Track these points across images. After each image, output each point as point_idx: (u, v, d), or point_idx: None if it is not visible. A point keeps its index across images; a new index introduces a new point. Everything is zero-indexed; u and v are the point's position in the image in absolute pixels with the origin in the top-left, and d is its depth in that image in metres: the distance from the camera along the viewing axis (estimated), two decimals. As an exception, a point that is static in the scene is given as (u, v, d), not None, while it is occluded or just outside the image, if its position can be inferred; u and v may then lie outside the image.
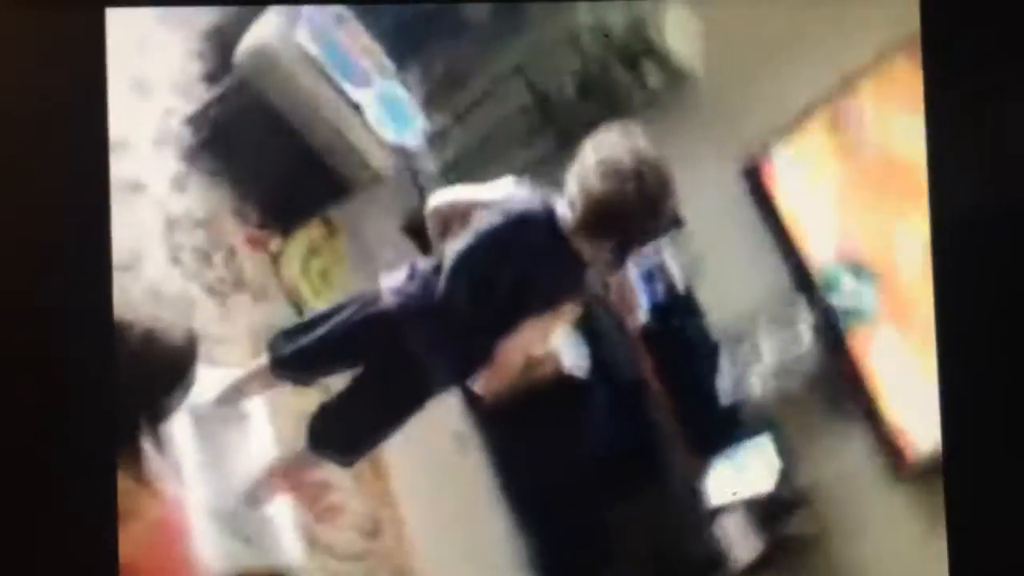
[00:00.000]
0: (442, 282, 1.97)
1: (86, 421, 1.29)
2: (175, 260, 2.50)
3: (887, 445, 3.07)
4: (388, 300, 2.01)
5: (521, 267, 1.92)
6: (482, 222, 1.97)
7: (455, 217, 2.03)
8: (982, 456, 1.12)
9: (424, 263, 2.06)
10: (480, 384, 2.06)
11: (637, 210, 1.81)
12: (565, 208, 1.89)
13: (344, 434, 2.10)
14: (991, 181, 1.09)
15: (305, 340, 2.11)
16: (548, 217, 1.91)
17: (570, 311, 2.09)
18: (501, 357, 1.96)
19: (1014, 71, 1.06)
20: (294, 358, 2.10)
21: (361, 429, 2.10)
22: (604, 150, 1.84)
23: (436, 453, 3.10)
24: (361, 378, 2.07)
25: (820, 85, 3.28)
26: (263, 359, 2.16)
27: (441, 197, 2.15)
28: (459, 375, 2.08)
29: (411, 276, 2.03)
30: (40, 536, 1.23)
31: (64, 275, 1.28)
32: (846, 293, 3.20)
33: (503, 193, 2.02)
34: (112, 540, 1.29)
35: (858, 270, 3.20)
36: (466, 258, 1.95)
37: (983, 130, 1.10)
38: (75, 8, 1.26)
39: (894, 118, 3.17)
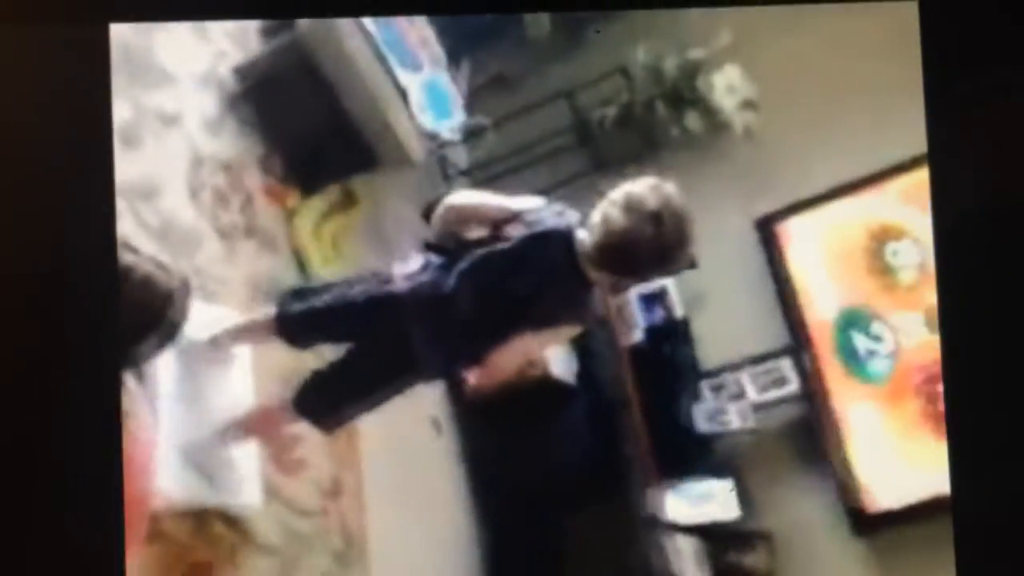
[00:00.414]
0: (453, 279, 2.00)
1: (89, 350, 1.32)
2: (194, 197, 2.55)
3: (849, 498, 3.10)
4: (399, 285, 2.03)
5: (532, 282, 1.95)
6: (506, 232, 2.01)
7: (475, 218, 2.08)
8: (987, 461, 1.12)
9: (438, 259, 2.09)
10: (468, 380, 2.10)
11: (649, 250, 1.85)
12: (584, 234, 1.94)
13: (329, 402, 2.13)
14: (993, 180, 1.10)
15: (315, 303, 2.15)
16: (568, 240, 1.95)
17: (568, 332, 2.13)
18: (492, 362, 1.99)
19: (1015, 70, 1.08)
20: (300, 318, 2.14)
21: (346, 400, 2.13)
22: (633, 189, 1.88)
23: (410, 431, 3.13)
24: (356, 352, 2.09)
25: (850, 172, 3.36)
26: (270, 312, 2.19)
27: (467, 196, 2.24)
28: (450, 370, 2.12)
29: (424, 267, 2.06)
30: (40, 467, 1.26)
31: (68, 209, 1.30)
32: (860, 351, 3.22)
33: (529, 207, 2.06)
34: (117, 466, 1.32)
35: (876, 336, 3.22)
36: (482, 263, 1.99)
37: (984, 129, 1.11)
38: (79, 23, 1.29)
39: (913, 219, 3.25)
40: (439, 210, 2.13)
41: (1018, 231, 1.09)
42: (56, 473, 1.26)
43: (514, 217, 2.03)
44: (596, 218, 1.90)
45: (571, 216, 2.01)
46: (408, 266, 2.09)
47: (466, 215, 2.09)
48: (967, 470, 1.12)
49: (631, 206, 1.85)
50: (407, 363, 2.03)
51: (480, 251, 2.01)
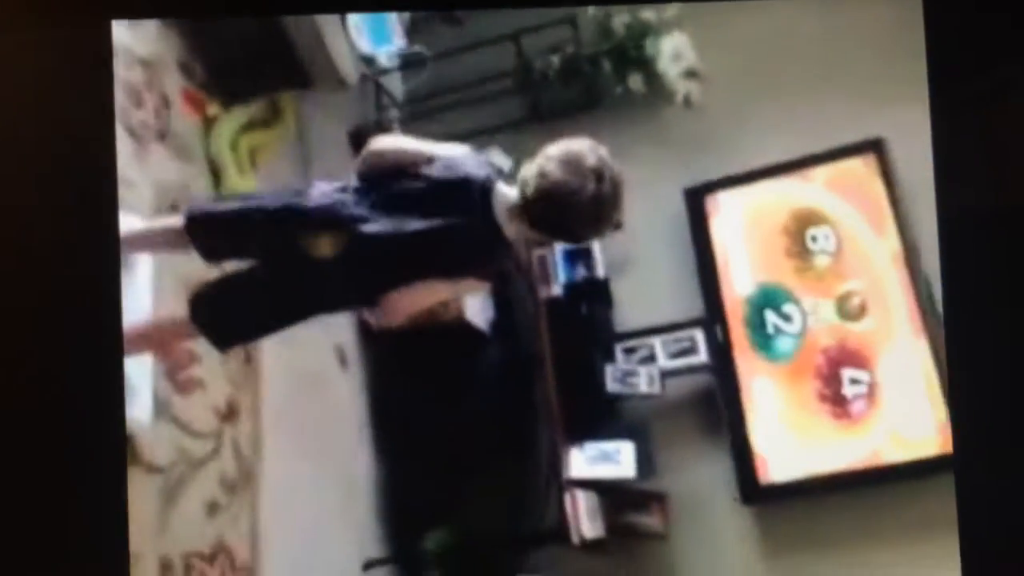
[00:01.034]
0: (364, 209, 1.91)
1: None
2: (103, 89, 2.38)
3: (743, 468, 3.15)
4: (313, 200, 1.94)
5: (443, 227, 1.88)
6: (426, 169, 1.94)
7: (397, 162, 1.98)
8: (990, 452, 1.11)
9: (357, 185, 1.99)
10: (370, 317, 2.02)
11: (584, 208, 1.81)
12: (511, 189, 1.89)
13: (228, 316, 2.02)
14: (997, 180, 1.08)
15: (225, 207, 2.07)
16: (485, 190, 1.90)
17: (473, 285, 2.07)
18: (393, 303, 1.91)
19: (1019, 70, 1.06)
20: (208, 220, 2.03)
21: (245, 317, 2.02)
22: (572, 146, 1.84)
23: (313, 358, 3.04)
24: (261, 267, 1.99)
25: (784, 153, 3.39)
26: (179, 219, 2.06)
27: (391, 141, 2.12)
28: (354, 301, 2.03)
29: (343, 189, 1.98)
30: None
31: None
32: (769, 328, 3.27)
33: (453, 153, 2.00)
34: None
35: (787, 316, 3.27)
36: (395, 198, 1.91)
37: (989, 129, 1.09)
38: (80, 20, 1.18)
39: (835, 208, 3.30)
40: (363, 152, 2.04)
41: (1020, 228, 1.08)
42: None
43: (435, 161, 1.97)
44: (531, 171, 1.85)
45: (496, 165, 1.96)
46: (326, 185, 1.99)
47: (388, 159, 2.00)
48: (968, 459, 1.11)
49: (570, 162, 1.81)
50: (311, 286, 1.94)
51: (396, 186, 1.93)
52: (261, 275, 1.98)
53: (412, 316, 1.96)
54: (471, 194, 1.89)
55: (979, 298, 1.08)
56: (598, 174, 1.79)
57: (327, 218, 1.91)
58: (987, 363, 1.09)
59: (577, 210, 1.81)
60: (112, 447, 1.22)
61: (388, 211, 1.91)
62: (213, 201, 2.15)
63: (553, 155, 1.83)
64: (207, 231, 2.01)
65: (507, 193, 1.89)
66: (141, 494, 2.15)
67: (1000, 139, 1.09)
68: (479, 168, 1.94)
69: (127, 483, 1.22)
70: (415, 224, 1.88)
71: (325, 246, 1.91)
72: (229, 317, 2.01)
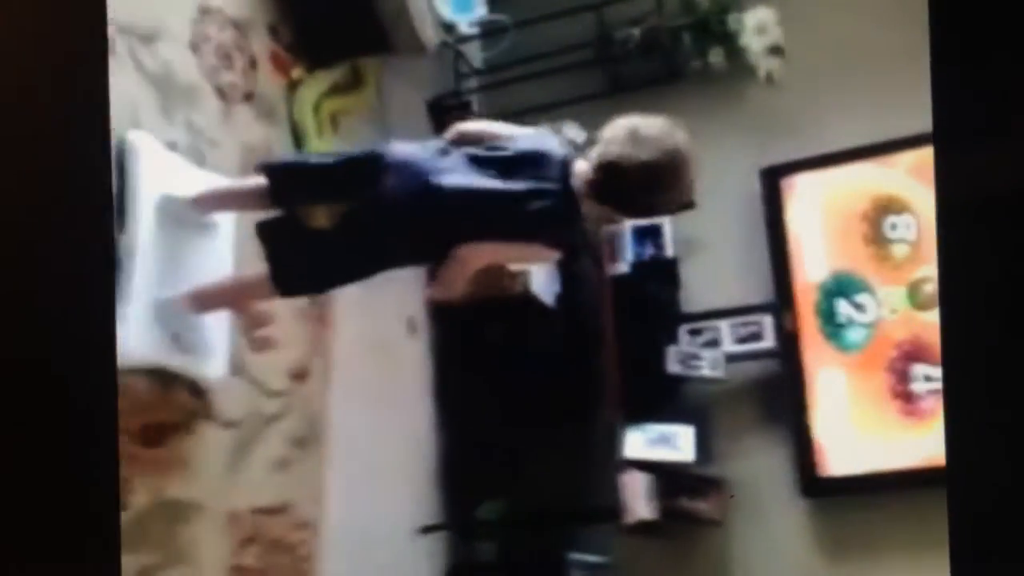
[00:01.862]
0: (446, 163, 1.93)
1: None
2: (195, 49, 2.42)
3: (804, 459, 3.11)
4: (395, 153, 1.96)
5: (523, 189, 1.88)
6: (506, 141, 1.98)
7: (479, 139, 2.02)
8: (986, 449, 1.09)
9: (441, 143, 2.03)
10: (430, 289, 2.04)
11: (644, 181, 1.82)
12: (584, 163, 1.90)
13: (303, 265, 2.06)
14: (1000, 164, 1.04)
15: (306, 159, 2.13)
16: (564, 164, 1.92)
17: (542, 254, 2.08)
18: (458, 261, 1.91)
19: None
20: (288, 170, 2.09)
21: (319, 264, 2.05)
22: (641, 120, 1.85)
23: (384, 326, 3.09)
24: (335, 215, 2.02)
25: (866, 137, 3.29)
26: (262, 179, 2.09)
27: (477, 124, 2.15)
28: (427, 254, 2.04)
29: (424, 146, 2.00)
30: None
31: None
32: (841, 317, 3.20)
33: (533, 134, 2.04)
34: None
35: (860, 305, 3.20)
36: (477, 161, 1.93)
37: (992, 112, 1.05)
38: None
39: (917, 195, 3.20)
40: (447, 132, 2.08)
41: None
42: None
43: (516, 139, 2.01)
44: (600, 147, 1.87)
45: (571, 138, 1.96)
46: (408, 143, 2.02)
47: (471, 136, 2.04)
48: (963, 454, 1.08)
49: (636, 134, 1.82)
50: (388, 234, 1.94)
51: (477, 152, 1.96)
52: (342, 222, 1.99)
53: (471, 280, 1.95)
54: (551, 165, 1.91)
55: (980, 288, 1.05)
56: (662, 149, 1.80)
57: (403, 166, 1.92)
58: (986, 360, 1.06)
59: (637, 182, 1.82)
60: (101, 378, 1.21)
61: (467, 170, 1.92)
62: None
63: (621, 126, 1.85)
64: (283, 184, 2.04)
65: (582, 166, 1.91)
66: (214, 448, 2.23)
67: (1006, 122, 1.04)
68: (559, 145, 1.97)
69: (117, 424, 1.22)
70: (492, 183, 1.90)
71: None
72: (305, 264, 2.02)
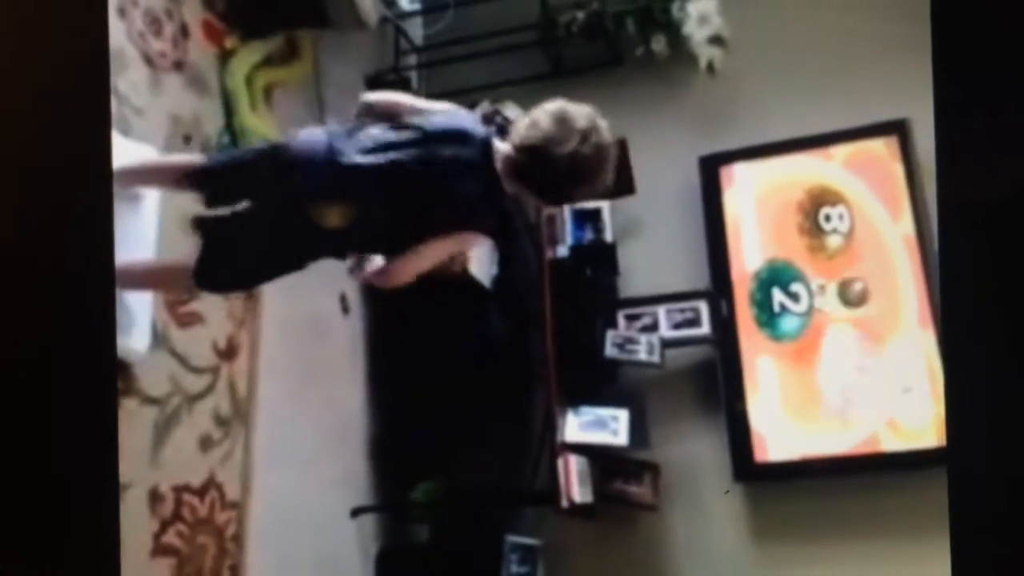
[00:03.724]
0: (354, 144, 1.88)
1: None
2: (122, 13, 2.36)
3: (739, 444, 3.16)
4: (298, 142, 1.90)
5: (442, 175, 1.87)
6: (419, 120, 1.93)
7: (387, 113, 1.98)
8: (985, 448, 1.12)
9: (348, 125, 1.97)
10: (373, 278, 2.02)
11: (563, 166, 1.81)
12: (505, 144, 1.89)
13: (226, 276, 2.00)
14: (1001, 171, 1.07)
15: (235, 153, 2.09)
16: (485, 146, 1.90)
17: (472, 240, 2.09)
18: (396, 268, 1.90)
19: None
20: (217, 166, 2.02)
21: (243, 265, 2.00)
22: (568, 105, 1.85)
23: (316, 304, 3.06)
24: (258, 212, 1.93)
25: (804, 128, 3.37)
26: (196, 158, 2.06)
27: (385, 95, 2.10)
28: (350, 252, 2.01)
29: (329, 130, 1.94)
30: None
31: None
32: (775, 306, 3.26)
33: (447, 108, 2.02)
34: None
35: (794, 295, 3.27)
36: (387, 142, 1.89)
37: (993, 119, 1.08)
38: None
39: (852, 187, 3.28)
40: (357, 106, 2.04)
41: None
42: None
43: (428, 115, 1.97)
44: (523, 122, 1.86)
45: (485, 127, 1.96)
46: (312, 131, 1.96)
47: (379, 110, 2.01)
48: (962, 455, 1.12)
49: (561, 118, 1.82)
50: (307, 233, 1.89)
51: (392, 136, 1.91)
52: (259, 221, 1.94)
53: (410, 277, 1.94)
54: (471, 143, 1.89)
55: (980, 294, 1.08)
56: (584, 135, 1.80)
57: (310, 158, 1.87)
58: (985, 358, 1.09)
59: (555, 166, 1.81)
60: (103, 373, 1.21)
61: (376, 152, 1.88)
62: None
63: (547, 109, 1.84)
64: (209, 180, 1.98)
65: (503, 146, 1.90)
66: (135, 425, 2.18)
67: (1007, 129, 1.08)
68: (475, 124, 1.95)
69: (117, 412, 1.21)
70: (417, 173, 1.86)
71: (334, 217, 1.88)
72: (229, 275, 2.00)
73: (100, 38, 1.21)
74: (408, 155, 1.87)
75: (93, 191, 1.19)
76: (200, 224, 1.96)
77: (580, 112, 1.83)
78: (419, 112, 1.98)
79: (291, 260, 1.96)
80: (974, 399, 1.06)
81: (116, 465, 1.18)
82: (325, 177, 1.85)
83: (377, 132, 1.92)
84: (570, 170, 1.81)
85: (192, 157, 2.04)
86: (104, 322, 1.20)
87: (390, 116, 1.97)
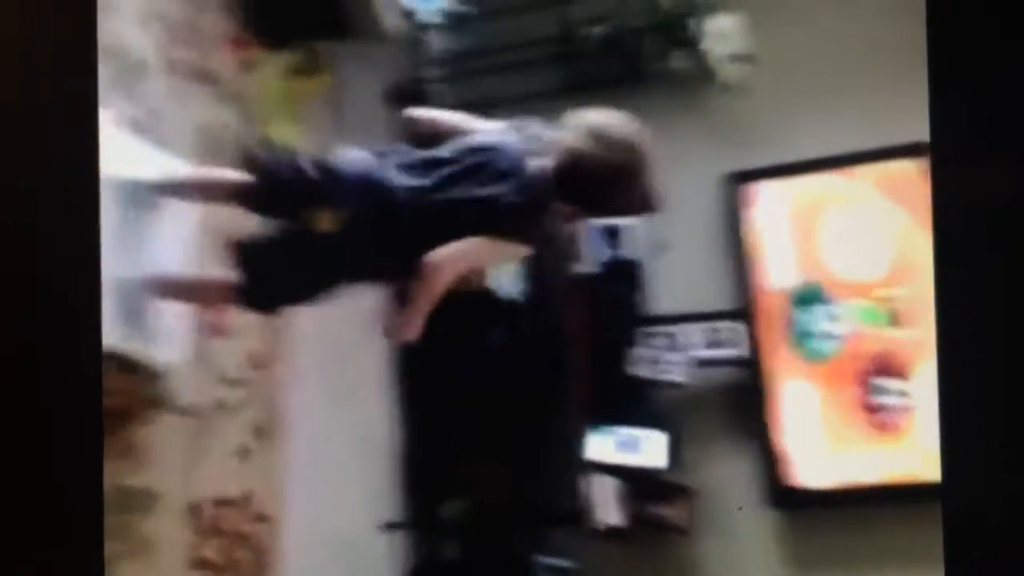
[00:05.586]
0: (404, 176, 1.97)
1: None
2: (144, 22, 2.44)
3: (773, 469, 3.22)
4: (345, 165, 1.98)
5: (483, 190, 1.93)
6: (462, 140, 2.01)
7: (432, 130, 2.08)
8: (983, 461, 1.17)
9: (390, 145, 2.07)
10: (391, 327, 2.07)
11: (604, 179, 1.88)
12: (544, 158, 1.95)
13: (272, 294, 2.08)
14: (997, 173, 1.14)
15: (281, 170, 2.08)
16: (525, 158, 1.96)
17: (514, 250, 2.12)
18: (434, 266, 1.94)
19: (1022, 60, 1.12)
20: (268, 181, 2.06)
21: (286, 284, 2.06)
22: (602, 118, 1.92)
23: (345, 319, 3.12)
24: (299, 233, 2.01)
25: (828, 148, 3.44)
26: (240, 176, 2.09)
27: (425, 112, 2.18)
28: (388, 273, 2.08)
29: (380, 153, 2.02)
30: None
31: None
32: (810, 327, 3.32)
33: (491, 127, 2.08)
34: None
35: (830, 316, 3.32)
36: (433, 161, 1.98)
37: (990, 121, 1.15)
38: None
39: (880, 209, 3.35)
40: (402, 124, 2.13)
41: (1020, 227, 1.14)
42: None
43: (471, 133, 2.05)
44: (559, 140, 1.93)
45: (524, 140, 2.01)
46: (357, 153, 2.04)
47: (422, 127, 2.10)
48: (958, 465, 1.17)
49: (597, 133, 1.88)
50: (356, 251, 1.98)
51: (433, 154, 2.00)
52: (301, 241, 2.02)
53: (447, 281, 1.99)
54: (512, 157, 1.95)
55: (977, 297, 1.15)
56: (624, 147, 1.87)
57: (359, 183, 1.95)
58: (984, 373, 1.16)
59: (597, 180, 1.88)
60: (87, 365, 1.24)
61: (422, 173, 1.96)
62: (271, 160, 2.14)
63: (584, 122, 1.91)
64: (262, 199, 2.05)
65: (544, 162, 1.96)
66: (172, 437, 2.25)
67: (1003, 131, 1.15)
68: (513, 139, 2.01)
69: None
70: (451, 185, 1.94)
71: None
72: (275, 294, 2.07)
73: (88, 34, 1.25)
74: (451, 175, 1.95)
75: (79, 190, 1.23)
76: (244, 242, 2.04)
77: (615, 120, 1.91)
78: (461, 129, 2.06)
79: (334, 280, 2.04)
80: (973, 419, 1.11)
81: (100, 470, 1.22)
82: (368, 198, 1.93)
83: (421, 152, 2.00)
84: (615, 184, 1.89)
85: (237, 173, 2.10)
86: (90, 320, 1.24)
87: (434, 133, 2.05)
